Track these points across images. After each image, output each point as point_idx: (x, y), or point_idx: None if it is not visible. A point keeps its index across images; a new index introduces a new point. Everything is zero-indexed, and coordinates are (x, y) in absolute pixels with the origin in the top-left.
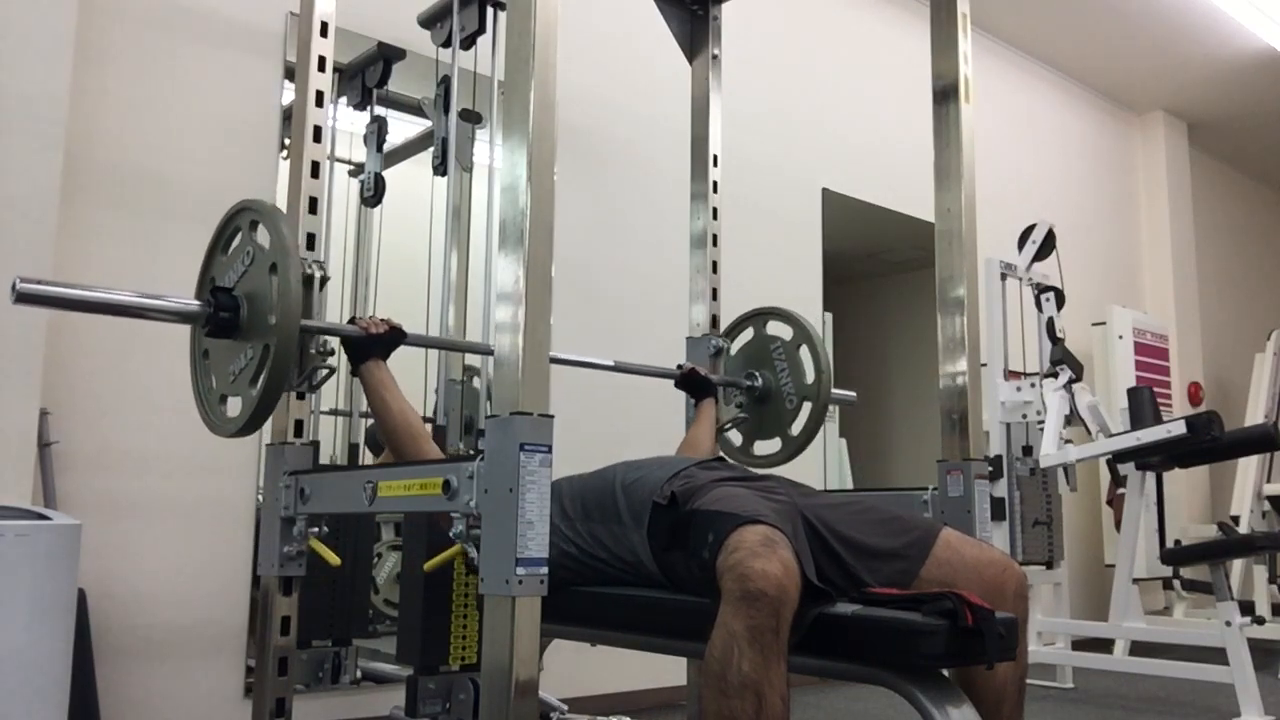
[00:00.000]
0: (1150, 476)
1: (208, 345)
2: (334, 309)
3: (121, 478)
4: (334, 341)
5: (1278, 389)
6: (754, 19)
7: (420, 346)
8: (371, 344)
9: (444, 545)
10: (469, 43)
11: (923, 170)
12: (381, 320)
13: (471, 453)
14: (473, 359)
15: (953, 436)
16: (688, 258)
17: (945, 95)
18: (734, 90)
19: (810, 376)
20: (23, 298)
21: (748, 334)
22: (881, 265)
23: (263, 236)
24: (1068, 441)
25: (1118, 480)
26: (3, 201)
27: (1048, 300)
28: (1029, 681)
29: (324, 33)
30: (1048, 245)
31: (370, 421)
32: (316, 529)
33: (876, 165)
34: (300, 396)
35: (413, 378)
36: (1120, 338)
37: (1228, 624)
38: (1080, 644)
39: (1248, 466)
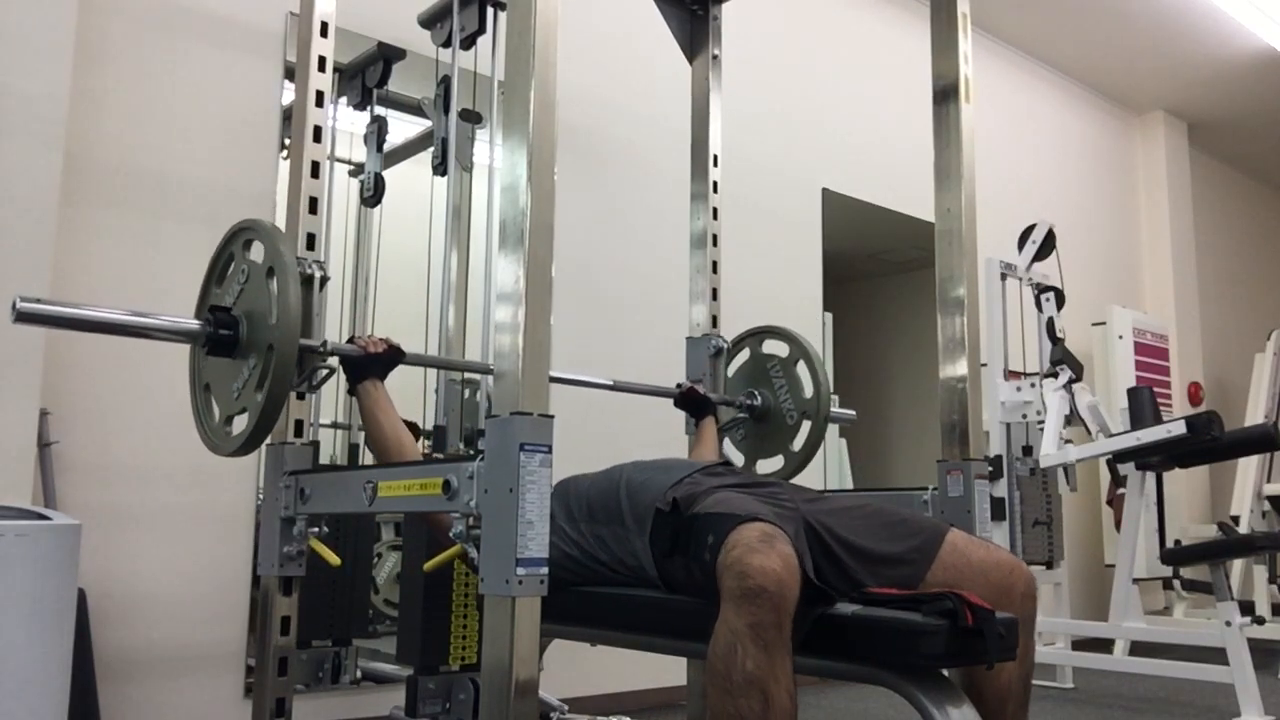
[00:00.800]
0: (1150, 476)
1: (207, 365)
2: (334, 309)
3: (122, 478)
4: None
5: (1278, 389)
6: (754, 19)
7: (419, 365)
8: (370, 363)
9: (444, 545)
10: (469, 43)
11: (923, 170)
12: (380, 340)
13: (471, 453)
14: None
15: (953, 436)
16: (688, 258)
17: (945, 95)
18: (734, 90)
19: (809, 392)
20: (22, 317)
21: (744, 355)
22: (881, 265)
23: (259, 255)
24: (1068, 441)
25: (1118, 480)
26: (3, 201)
27: (1048, 300)
28: None
29: (324, 33)
30: (1048, 245)
31: None
32: (316, 529)
33: (876, 165)
34: (300, 397)
35: (413, 377)
36: (1120, 338)
37: (1228, 624)
38: (1080, 644)
39: (1248, 466)
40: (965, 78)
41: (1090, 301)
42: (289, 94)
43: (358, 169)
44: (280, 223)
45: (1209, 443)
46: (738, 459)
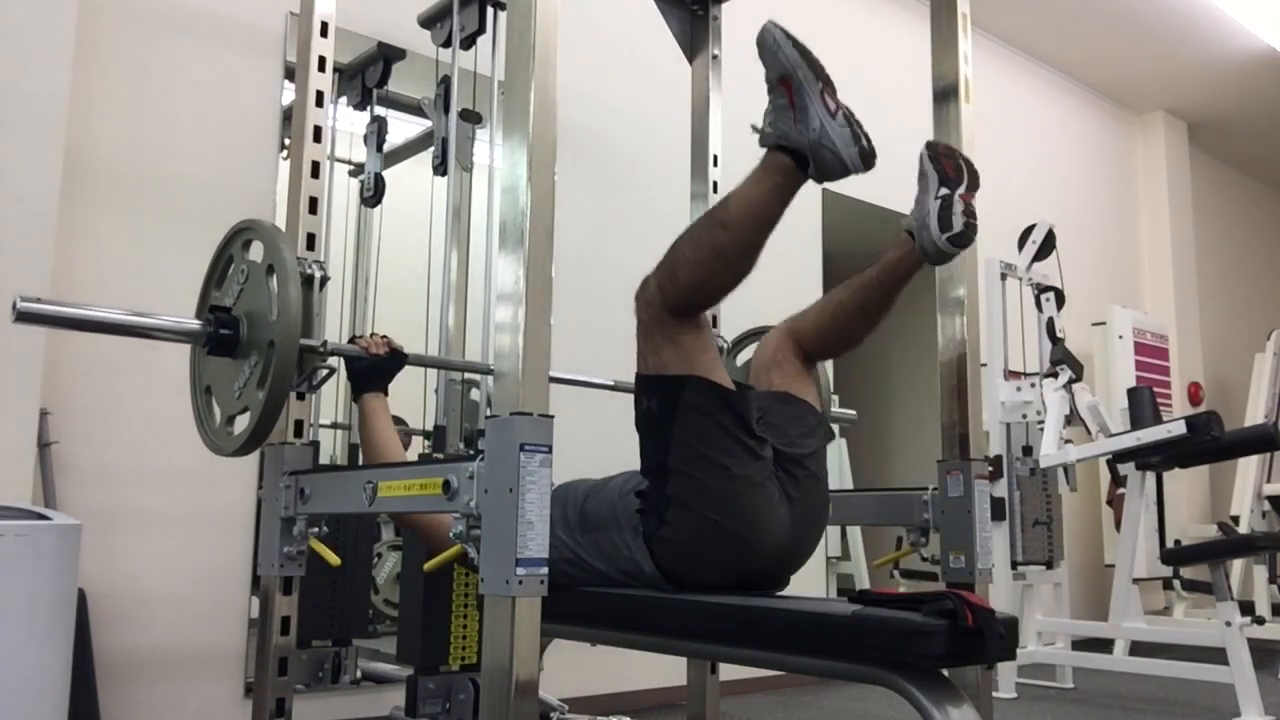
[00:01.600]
0: (1150, 476)
1: (207, 365)
2: (334, 309)
3: (122, 477)
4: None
5: (1278, 389)
6: (754, 19)
7: (419, 365)
8: (376, 375)
9: (438, 549)
10: (469, 43)
11: None
12: (382, 339)
13: (471, 453)
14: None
15: (953, 436)
16: None
17: (945, 95)
18: (734, 90)
19: None
20: (22, 317)
21: (745, 355)
22: None
23: (259, 255)
24: (1068, 441)
25: (1118, 480)
26: (3, 201)
27: (1048, 300)
28: (1029, 682)
29: (324, 33)
30: (1048, 245)
31: None
32: (316, 529)
33: (877, 165)
34: (300, 397)
35: (413, 377)
36: (1120, 338)
37: (1228, 624)
38: (1080, 644)
39: (1248, 466)
40: (965, 78)
41: (1090, 301)
42: (289, 94)
43: (358, 169)
44: (280, 223)
45: (1209, 443)
46: None
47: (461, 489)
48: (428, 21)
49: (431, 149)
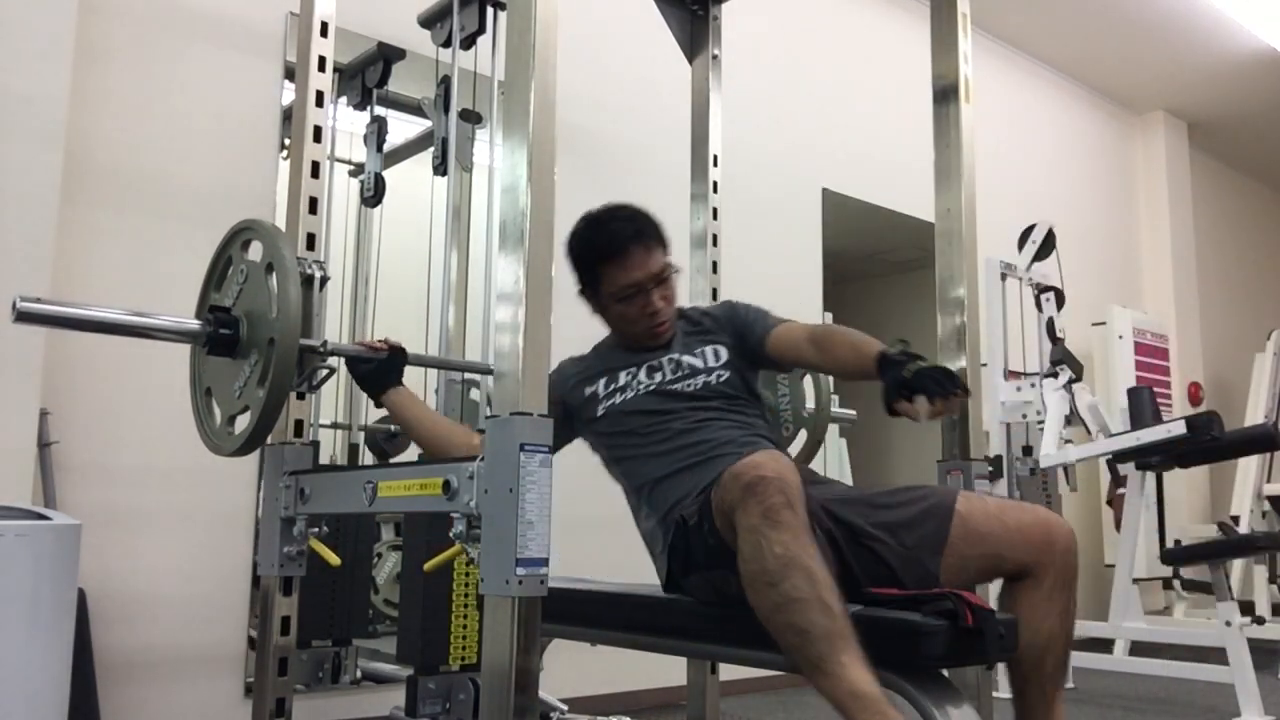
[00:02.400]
0: (1150, 476)
1: (207, 365)
2: (334, 309)
3: (122, 478)
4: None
5: (1278, 389)
6: (755, 19)
7: (419, 365)
8: (382, 372)
9: (444, 545)
10: (469, 43)
11: (923, 170)
12: (380, 342)
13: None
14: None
15: (952, 436)
16: (688, 258)
17: (945, 95)
18: (734, 90)
19: (810, 392)
20: (22, 316)
21: None
22: (881, 265)
23: (259, 254)
24: (1068, 441)
25: (1118, 480)
26: (3, 201)
27: (1048, 300)
28: None
29: (324, 33)
30: (1048, 245)
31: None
32: (316, 529)
33: (876, 165)
34: (300, 397)
35: (413, 377)
36: (1120, 338)
37: (1228, 624)
38: (1080, 644)
39: (1248, 466)
40: (965, 78)
41: (1090, 301)
42: (289, 94)
43: (358, 169)
44: (280, 223)
45: (1209, 443)
46: None
47: (461, 489)
48: (428, 21)
49: (431, 149)
